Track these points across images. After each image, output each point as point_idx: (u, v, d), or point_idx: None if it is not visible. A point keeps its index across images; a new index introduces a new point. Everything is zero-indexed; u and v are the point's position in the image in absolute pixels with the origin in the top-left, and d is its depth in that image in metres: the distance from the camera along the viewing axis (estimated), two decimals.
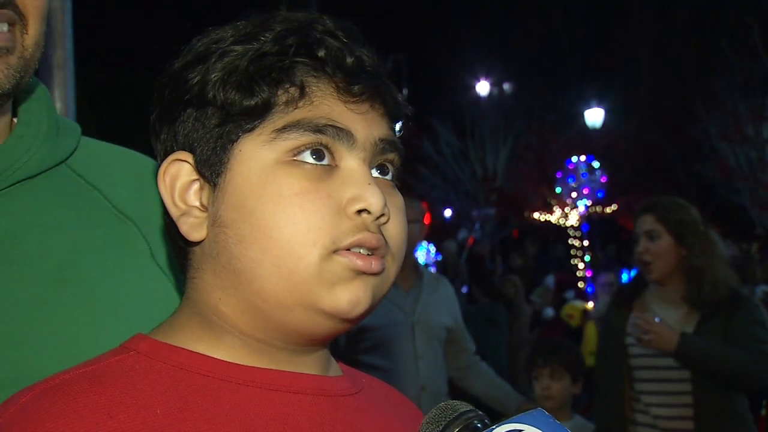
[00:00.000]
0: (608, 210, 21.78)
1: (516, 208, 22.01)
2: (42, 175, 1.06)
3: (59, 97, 2.10)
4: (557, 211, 21.29)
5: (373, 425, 0.93)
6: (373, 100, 0.90)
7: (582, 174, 16.72)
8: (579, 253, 17.20)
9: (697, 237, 3.34)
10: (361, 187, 0.86)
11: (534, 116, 21.87)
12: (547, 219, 21.82)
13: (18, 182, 1.04)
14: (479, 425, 0.73)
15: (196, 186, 0.89)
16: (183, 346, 0.88)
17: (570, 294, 11.39)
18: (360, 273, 0.85)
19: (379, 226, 0.87)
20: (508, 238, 21.28)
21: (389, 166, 0.93)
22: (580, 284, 13.72)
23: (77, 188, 1.10)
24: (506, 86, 24.05)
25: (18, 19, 0.99)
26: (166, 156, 0.91)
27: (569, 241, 17.98)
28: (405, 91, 19.33)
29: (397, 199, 0.93)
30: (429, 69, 24.85)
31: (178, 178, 0.90)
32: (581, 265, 16.50)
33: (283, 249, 0.84)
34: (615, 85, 22.33)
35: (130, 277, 1.07)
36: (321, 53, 0.87)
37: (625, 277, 14.04)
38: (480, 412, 0.76)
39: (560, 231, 20.20)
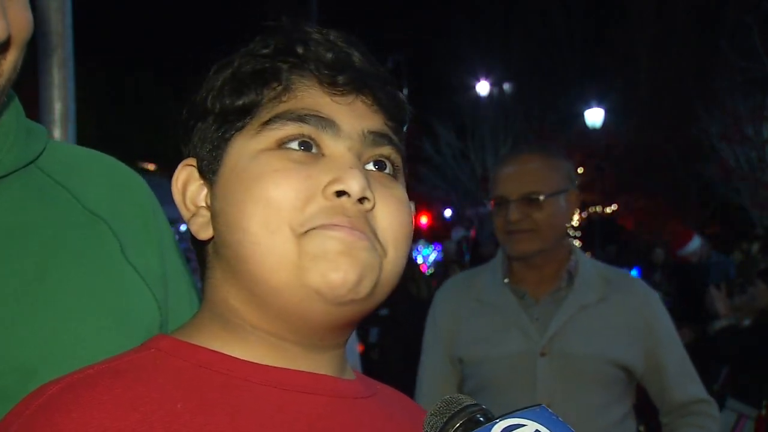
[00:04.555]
0: (608, 210, 21.80)
1: None
2: (14, 174, 1.07)
3: (59, 97, 2.09)
4: None
5: (387, 428, 0.93)
6: (360, 92, 0.91)
7: None
8: None
9: None
10: (341, 169, 0.86)
11: (534, 116, 21.89)
12: None
13: None
14: (482, 419, 0.73)
15: (204, 190, 0.93)
16: (203, 345, 0.89)
17: None
18: (342, 249, 0.83)
19: (364, 214, 0.86)
20: None
21: (386, 162, 0.92)
22: None
23: (48, 188, 1.11)
24: (506, 86, 24.07)
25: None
26: None
27: None
28: (405, 91, 19.28)
29: (396, 191, 0.91)
30: (429, 69, 24.85)
31: (189, 182, 0.95)
32: None
33: (258, 225, 0.85)
34: (615, 85, 22.34)
35: (104, 273, 1.08)
36: (300, 50, 0.90)
37: None
38: (484, 407, 0.76)
39: None
